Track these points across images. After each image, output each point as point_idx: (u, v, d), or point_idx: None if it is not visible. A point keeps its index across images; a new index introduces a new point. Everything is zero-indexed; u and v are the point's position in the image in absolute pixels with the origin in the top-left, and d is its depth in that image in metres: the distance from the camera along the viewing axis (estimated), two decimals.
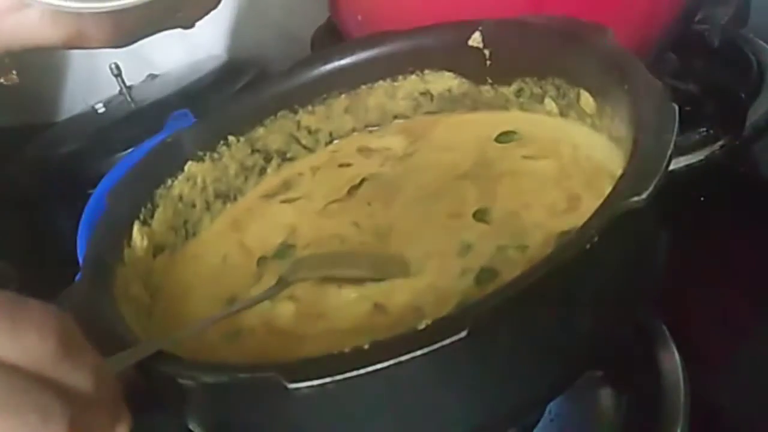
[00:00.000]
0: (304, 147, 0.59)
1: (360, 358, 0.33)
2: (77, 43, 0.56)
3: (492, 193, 0.49)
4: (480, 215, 0.47)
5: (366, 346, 0.34)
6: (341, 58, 0.58)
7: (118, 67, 0.85)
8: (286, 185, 0.57)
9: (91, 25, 0.54)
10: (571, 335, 0.38)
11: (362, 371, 0.33)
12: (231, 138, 0.57)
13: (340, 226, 0.51)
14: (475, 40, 0.54)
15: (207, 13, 0.62)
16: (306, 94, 0.58)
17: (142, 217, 0.51)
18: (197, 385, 0.38)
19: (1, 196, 0.82)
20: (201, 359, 0.42)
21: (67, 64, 0.97)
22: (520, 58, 0.53)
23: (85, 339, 0.36)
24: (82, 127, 0.88)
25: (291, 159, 0.59)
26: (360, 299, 0.44)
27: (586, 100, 0.49)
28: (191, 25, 0.62)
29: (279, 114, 0.58)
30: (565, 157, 0.50)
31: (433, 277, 0.44)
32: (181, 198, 0.54)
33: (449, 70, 0.57)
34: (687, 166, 0.63)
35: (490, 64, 0.55)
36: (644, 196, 0.35)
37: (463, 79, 0.56)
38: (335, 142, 0.60)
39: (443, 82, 0.57)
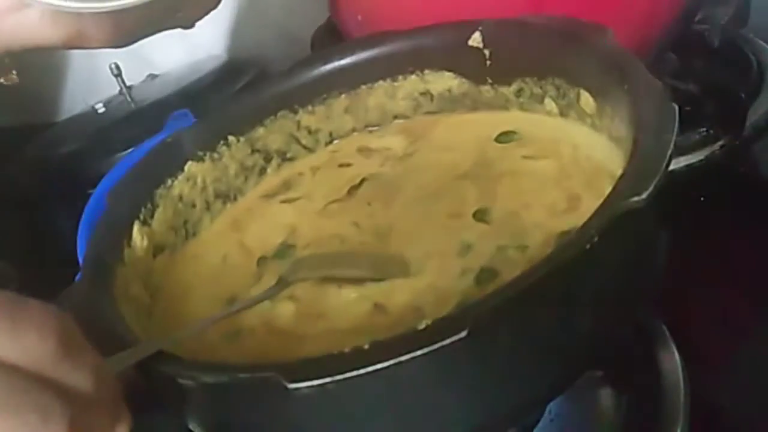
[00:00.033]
0: (304, 147, 0.59)
1: (360, 358, 0.33)
2: (77, 43, 0.56)
3: (492, 193, 0.49)
4: (480, 215, 0.47)
5: (366, 346, 0.34)
6: (341, 58, 0.58)
7: (118, 67, 0.85)
8: (286, 185, 0.57)
9: (91, 25, 0.54)
10: (571, 335, 0.38)
11: (362, 371, 0.33)
12: (231, 138, 0.57)
13: (340, 226, 0.51)
14: (475, 40, 0.54)
15: (207, 13, 0.62)
16: (306, 94, 0.58)
17: (142, 217, 0.51)
18: (197, 385, 0.38)
19: (1, 196, 0.82)
20: (201, 359, 0.42)
21: (67, 64, 0.97)
22: (520, 58, 0.53)
23: (85, 339, 0.36)
24: (82, 127, 0.88)
25: (291, 159, 0.59)
26: (360, 299, 0.44)
27: (586, 100, 0.49)
28: (191, 25, 0.62)
29: (279, 114, 0.58)
30: (565, 157, 0.50)
31: (433, 277, 0.44)
32: (181, 198, 0.54)
33: (449, 70, 0.57)
34: (687, 166, 0.63)
35: (490, 64, 0.55)
36: (644, 196, 0.35)
37: (463, 79, 0.56)
38: (335, 142, 0.60)
39: (443, 82, 0.57)
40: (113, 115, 0.86)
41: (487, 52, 0.54)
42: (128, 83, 0.87)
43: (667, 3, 0.65)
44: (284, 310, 0.45)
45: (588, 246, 0.35)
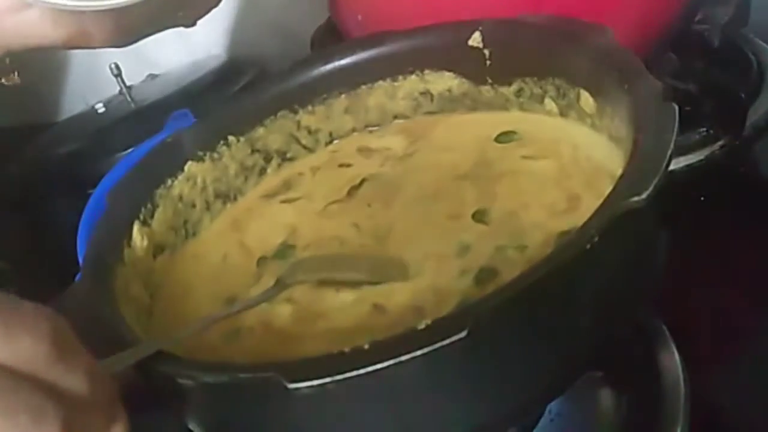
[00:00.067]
0: (304, 147, 0.59)
1: (360, 358, 0.33)
2: (79, 42, 0.55)
3: (491, 194, 0.49)
4: (479, 216, 0.47)
5: (366, 346, 0.34)
6: (341, 58, 0.58)
7: (118, 67, 0.85)
8: (286, 185, 0.57)
9: (93, 24, 0.54)
10: (571, 335, 0.38)
11: (362, 371, 0.33)
12: (231, 138, 0.57)
13: (340, 227, 0.51)
14: (475, 40, 0.54)
15: (208, 11, 0.62)
16: (306, 94, 0.58)
17: (142, 217, 0.51)
18: (197, 385, 0.38)
19: (1, 196, 0.82)
20: (201, 359, 0.42)
21: (67, 64, 0.97)
22: (520, 58, 0.53)
23: (80, 341, 0.36)
24: (82, 127, 0.88)
25: (291, 159, 0.59)
26: (358, 301, 0.44)
27: (586, 100, 0.49)
28: (193, 23, 0.62)
29: (279, 114, 0.58)
30: (565, 157, 0.50)
31: (433, 278, 0.44)
32: (181, 198, 0.54)
33: (449, 70, 0.57)
34: (687, 166, 0.63)
35: (490, 64, 0.55)
36: (644, 196, 0.35)
37: (463, 79, 0.56)
38: (335, 142, 0.60)
39: (443, 82, 0.57)
40: (113, 115, 0.86)
41: (487, 52, 0.54)
42: (128, 83, 0.87)
43: (667, 3, 0.65)
44: (282, 311, 0.45)
45: (588, 246, 0.35)
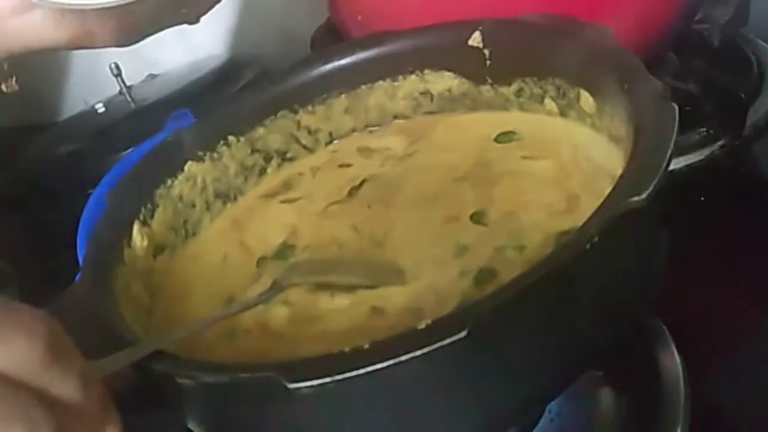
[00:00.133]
0: (304, 147, 0.59)
1: (360, 358, 0.33)
2: (82, 43, 0.55)
3: (490, 195, 0.49)
4: (477, 217, 0.47)
5: (366, 346, 0.34)
6: (341, 58, 0.58)
7: (118, 67, 0.85)
8: (287, 185, 0.57)
9: (96, 24, 0.54)
10: (571, 335, 0.38)
11: (362, 371, 0.33)
12: (231, 138, 0.57)
13: (339, 228, 0.51)
14: (475, 40, 0.54)
15: (211, 8, 0.62)
16: (306, 94, 0.58)
17: (142, 217, 0.51)
18: (197, 384, 0.38)
19: (1, 196, 0.82)
20: (200, 359, 0.42)
21: (67, 64, 0.97)
22: (520, 58, 0.53)
23: (74, 343, 0.36)
24: (82, 127, 0.88)
25: (291, 159, 0.59)
26: (353, 305, 0.44)
27: (586, 100, 0.49)
28: (196, 21, 0.62)
29: (279, 114, 0.58)
30: (564, 158, 0.50)
31: (431, 280, 0.44)
32: (181, 198, 0.54)
33: (449, 70, 0.57)
34: (687, 166, 0.63)
35: (490, 64, 0.55)
36: (644, 196, 0.35)
37: (463, 79, 0.56)
38: (335, 142, 0.60)
39: (443, 82, 0.57)
40: (113, 115, 0.86)
41: (487, 52, 0.54)
42: (128, 83, 0.87)
43: (667, 3, 0.65)
44: (278, 313, 0.45)
45: (588, 246, 0.35)
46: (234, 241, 0.54)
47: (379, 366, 0.33)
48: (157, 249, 0.52)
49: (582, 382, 0.43)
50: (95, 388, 0.36)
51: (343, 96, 0.59)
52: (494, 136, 0.54)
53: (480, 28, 0.54)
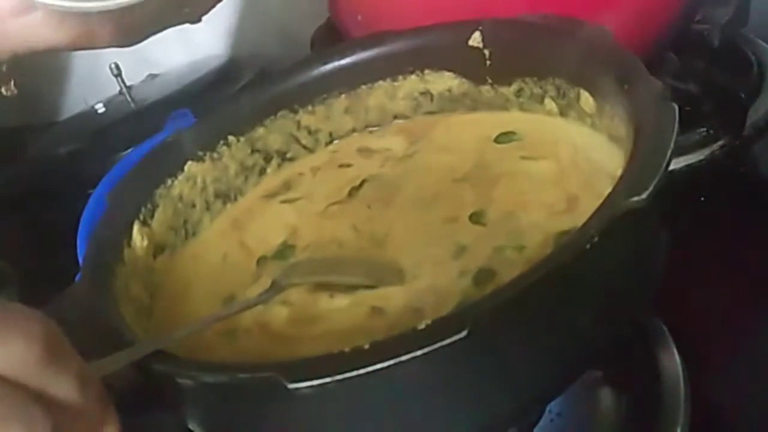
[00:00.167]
0: (304, 147, 0.59)
1: (360, 358, 0.33)
2: (84, 43, 0.55)
3: (489, 195, 0.49)
4: (476, 218, 0.47)
5: (366, 346, 0.34)
6: (341, 58, 0.58)
7: (118, 67, 0.85)
8: (287, 185, 0.57)
9: (98, 24, 0.54)
10: (571, 335, 0.38)
11: (362, 371, 0.33)
12: (231, 138, 0.57)
13: (339, 228, 0.51)
14: (475, 40, 0.54)
15: (213, 7, 0.62)
16: (306, 94, 0.58)
17: (142, 217, 0.51)
18: (197, 384, 0.38)
19: (1, 196, 0.82)
20: (200, 359, 0.42)
21: (67, 64, 0.97)
22: (520, 58, 0.53)
23: (71, 344, 0.36)
24: (82, 127, 0.88)
25: (291, 159, 0.59)
26: (353, 305, 0.44)
27: (586, 100, 0.49)
28: (198, 20, 0.62)
29: (279, 114, 0.58)
30: (564, 158, 0.50)
31: (431, 280, 0.44)
32: (181, 198, 0.54)
33: (449, 70, 0.57)
34: (687, 166, 0.63)
35: (490, 64, 0.55)
36: (644, 196, 0.35)
37: (463, 79, 0.56)
38: (335, 142, 0.60)
39: (443, 82, 0.57)
40: (113, 115, 0.86)
41: (487, 52, 0.54)
42: (128, 83, 0.87)
43: (667, 3, 0.65)
44: (278, 313, 0.45)
45: (588, 246, 0.35)
46: (234, 241, 0.54)
47: (379, 366, 0.33)
48: (157, 249, 0.52)
49: (582, 382, 0.43)
50: (93, 388, 0.36)
51: (343, 96, 0.59)
52: (494, 136, 0.54)
53: (480, 28, 0.54)
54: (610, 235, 0.35)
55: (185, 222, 0.54)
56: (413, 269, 0.45)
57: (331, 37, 0.77)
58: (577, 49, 0.49)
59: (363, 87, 0.58)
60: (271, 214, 0.55)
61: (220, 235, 0.55)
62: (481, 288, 0.42)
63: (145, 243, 0.50)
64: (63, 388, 0.34)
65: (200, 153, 0.56)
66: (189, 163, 0.55)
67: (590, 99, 0.49)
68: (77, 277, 0.49)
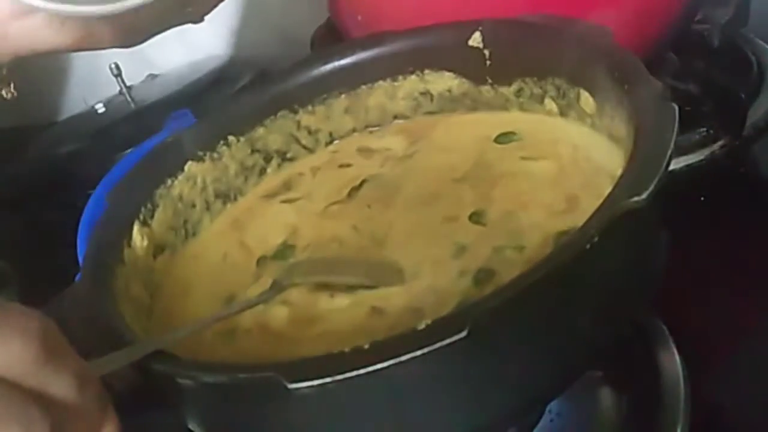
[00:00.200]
0: (304, 147, 0.59)
1: (360, 358, 0.33)
2: (87, 45, 0.55)
3: (489, 195, 0.49)
4: (476, 218, 0.47)
5: (366, 346, 0.34)
6: (341, 58, 0.58)
7: (118, 67, 0.85)
8: (287, 185, 0.57)
9: (100, 26, 0.54)
10: (571, 335, 0.38)
11: (362, 371, 0.33)
12: (231, 138, 0.57)
13: (339, 228, 0.51)
14: (475, 40, 0.54)
15: (215, 6, 0.62)
16: (306, 94, 0.58)
17: (142, 217, 0.51)
18: (197, 384, 0.38)
19: (1, 196, 0.82)
20: (200, 359, 0.42)
21: (67, 64, 0.97)
22: (520, 58, 0.53)
23: (69, 343, 0.36)
24: (82, 127, 0.88)
25: (291, 159, 0.59)
26: (353, 305, 0.44)
27: (586, 100, 0.49)
28: (200, 20, 0.62)
29: (279, 114, 0.58)
30: (564, 158, 0.50)
31: (431, 280, 0.44)
32: (181, 198, 0.54)
33: (449, 70, 0.57)
34: (687, 166, 0.63)
35: (490, 64, 0.55)
36: (644, 196, 0.35)
37: (463, 79, 0.56)
38: (335, 142, 0.60)
39: (443, 82, 0.57)
40: (113, 115, 0.86)
41: (487, 52, 0.54)
42: (128, 83, 0.87)
43: (667, 3, 0.65)
44: (278, 313, 0.45)
45: (588, 246, 0.35)
46: (234, 241, 0.54)
47: (379, 366, 0.33)
48: (157, 249, 0.52)
49: (582, 382, 0.43)
50: (92, 388, 0.36)
51: (343, 96, 0.59)
52: (494, 136, 0.54)
53: (480, 28, 0.54)
54: (610, 235, 0.35)
55: (185, 222, 0.54)
56: (413, 269, 0.45)
57: (331, 38, 0.77)
58: (578, 50, 0.49)
59: (363, 87, 0.59)
60: (271, 214, 0.55)
61: (220, 235, 0.55)
62: (481, 288, 0.42)
63: (145, 243, 0.50)
64: (61, 387, 0.34)
65: (200, 153, 0.56)
66: (189, 163, 0.55)
67: (590, 99, 0.49)
68: (77, 277, 0.49)
